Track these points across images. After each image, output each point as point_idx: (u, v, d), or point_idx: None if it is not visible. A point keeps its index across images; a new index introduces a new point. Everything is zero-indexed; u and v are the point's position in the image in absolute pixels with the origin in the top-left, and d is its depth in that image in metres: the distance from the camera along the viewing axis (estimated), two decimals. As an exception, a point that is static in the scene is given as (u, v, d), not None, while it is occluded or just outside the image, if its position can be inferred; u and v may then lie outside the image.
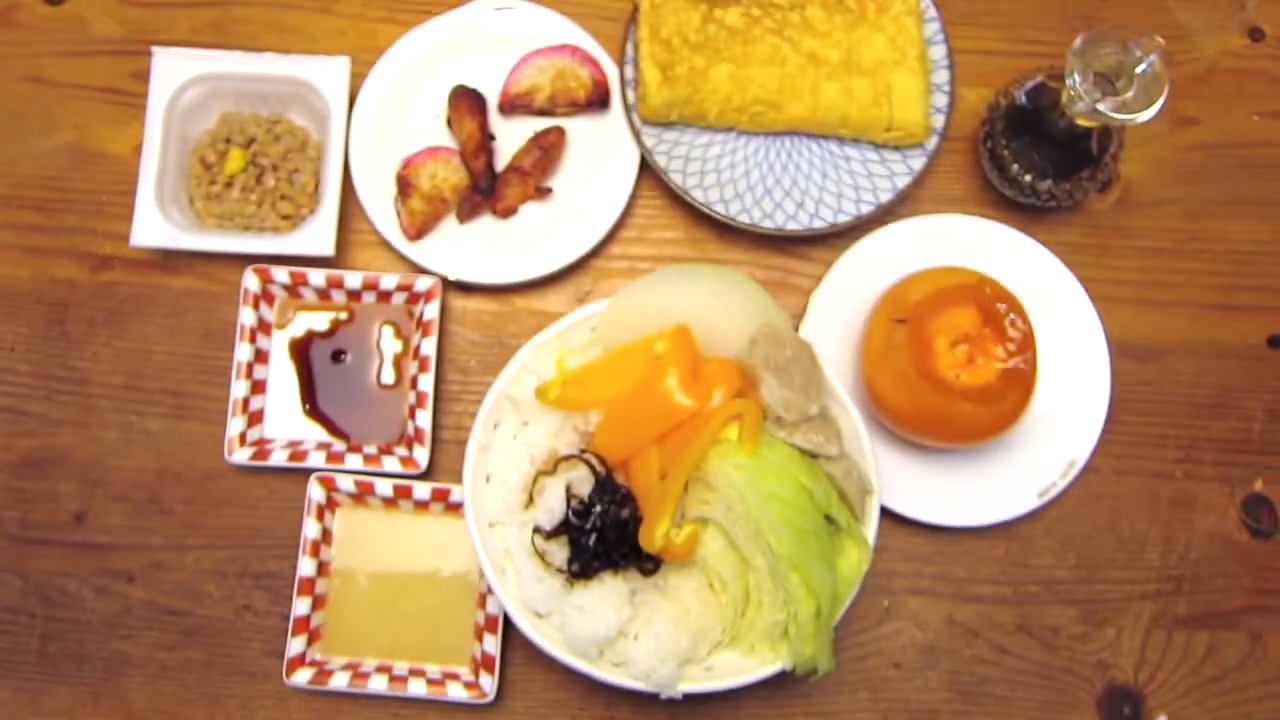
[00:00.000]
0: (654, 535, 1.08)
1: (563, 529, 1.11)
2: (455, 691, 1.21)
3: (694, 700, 1.25)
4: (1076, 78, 1.17)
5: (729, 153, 1.35)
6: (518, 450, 1.15)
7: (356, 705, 1.25)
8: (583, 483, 1.11)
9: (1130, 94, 1.17)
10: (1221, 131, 1.44)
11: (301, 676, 1.20)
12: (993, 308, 1.19)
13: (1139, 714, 1.28)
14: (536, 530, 1.11)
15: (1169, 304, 1.38)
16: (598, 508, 1.10)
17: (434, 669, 1.24)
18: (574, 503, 1.10)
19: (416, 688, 1.21)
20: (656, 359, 1.11)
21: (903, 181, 1.33)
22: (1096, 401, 1.31)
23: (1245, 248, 1.40)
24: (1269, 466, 1.34)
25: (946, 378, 1.18)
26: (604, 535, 1.09)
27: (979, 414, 1.18)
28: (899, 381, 1.19)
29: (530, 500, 1.15)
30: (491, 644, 1.21)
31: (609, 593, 1.10)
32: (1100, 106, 1.16)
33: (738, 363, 1.13)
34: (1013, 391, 1.18)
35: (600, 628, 1.09)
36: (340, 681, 1.21)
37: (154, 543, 1.29)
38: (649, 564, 1.12)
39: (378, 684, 1.21)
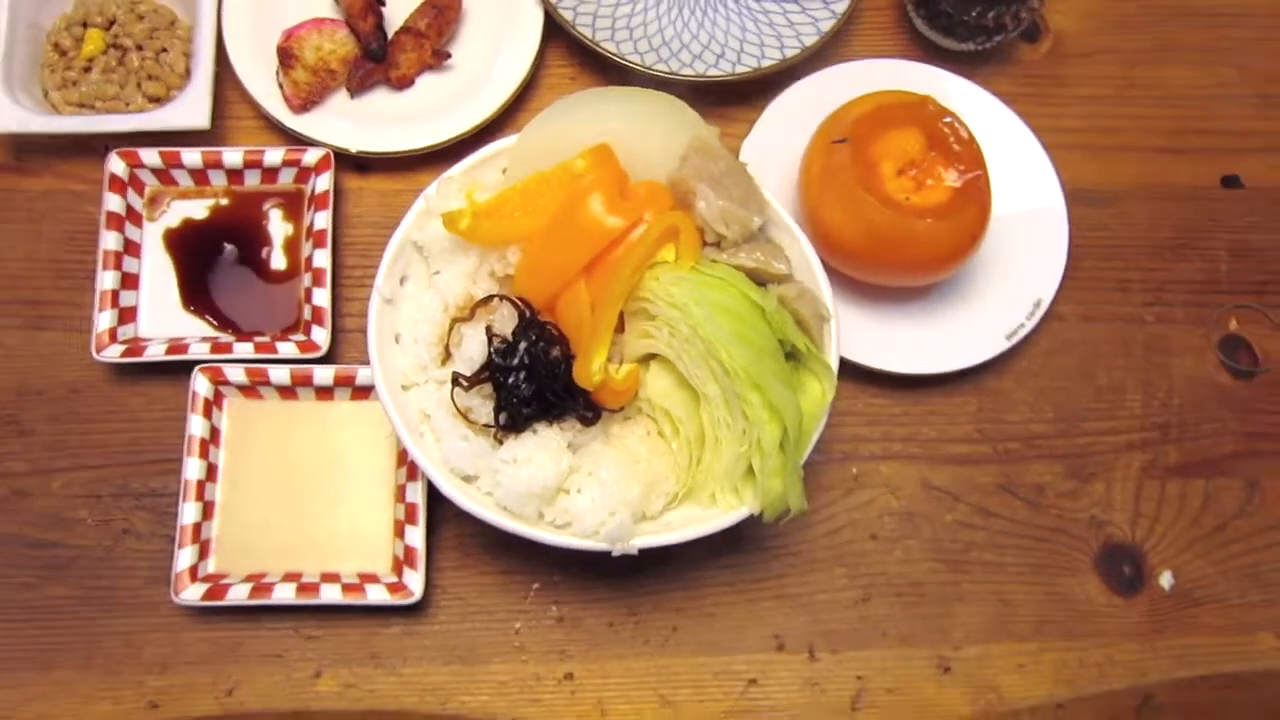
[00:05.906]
0: (590, 369, 0.94)
1: (486, 374, 0.97)
2: (376, 594, 1.04)
3: (652, 586, 1.11)
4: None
5: (640, 11, 1.26)
6: (429, 300, 1.01)
7: (260, 627, 1.07)
8: (505, 322, 0.98)
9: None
10: (1149, -18, 1.40)
11: (192, 593, 1.03)
12: (936, 127, 1.10)
13: (1141, 572, 1.16)
14: (456, 381, 0.97)
15: (1117, 149, 1.32)
16: (523, 344, 0.96)
17: (350, 572, 1.07)
18: (496, 342, 0.97)
19: (330, 594, 1.04)
20: (576, 179, 0.99)
21: (827, 25, 1.24)
22: (1056, 243, 1.22)
23: (1185, 93, 1.35)
24: (1242, 306, 1.26)
25: (896, 199, 1.08)
26: (533, 373, 0.95)
27: (937, 232, 1.07)
28: (845, 203, 1.08)
29: (446, 354, 1.01)
30: (415, 536, 1.05)
31: (544, 442, 0.96)
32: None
33: (668, 184, 1.01)
34: (970, 206, 1.08)
35: (538, 477, 0.94)
36: (239, 594, 1.03)
37: (14, 469, 1.11)
38: (588, 413, 0.98)
39: (284, 593, 1.03)
